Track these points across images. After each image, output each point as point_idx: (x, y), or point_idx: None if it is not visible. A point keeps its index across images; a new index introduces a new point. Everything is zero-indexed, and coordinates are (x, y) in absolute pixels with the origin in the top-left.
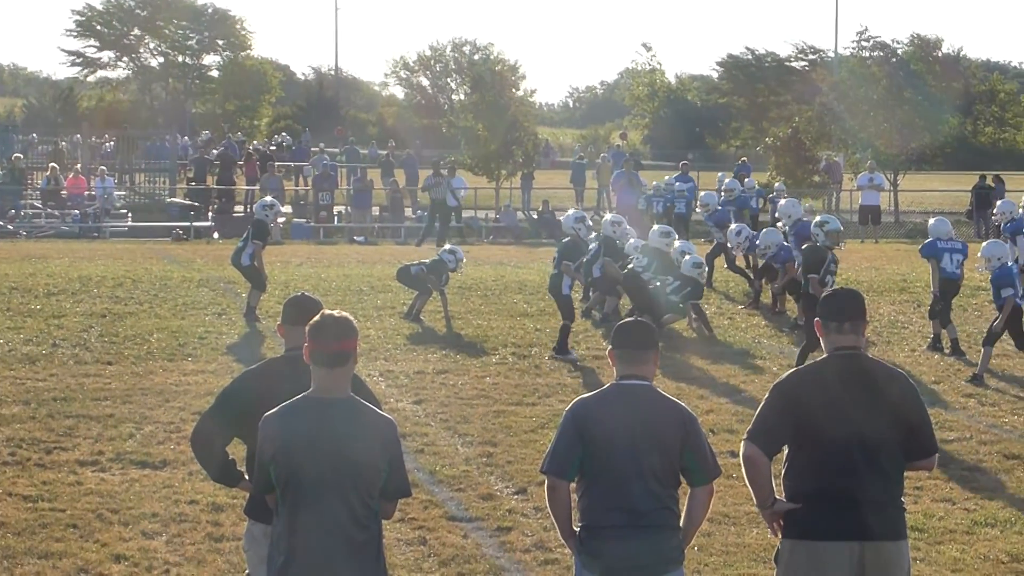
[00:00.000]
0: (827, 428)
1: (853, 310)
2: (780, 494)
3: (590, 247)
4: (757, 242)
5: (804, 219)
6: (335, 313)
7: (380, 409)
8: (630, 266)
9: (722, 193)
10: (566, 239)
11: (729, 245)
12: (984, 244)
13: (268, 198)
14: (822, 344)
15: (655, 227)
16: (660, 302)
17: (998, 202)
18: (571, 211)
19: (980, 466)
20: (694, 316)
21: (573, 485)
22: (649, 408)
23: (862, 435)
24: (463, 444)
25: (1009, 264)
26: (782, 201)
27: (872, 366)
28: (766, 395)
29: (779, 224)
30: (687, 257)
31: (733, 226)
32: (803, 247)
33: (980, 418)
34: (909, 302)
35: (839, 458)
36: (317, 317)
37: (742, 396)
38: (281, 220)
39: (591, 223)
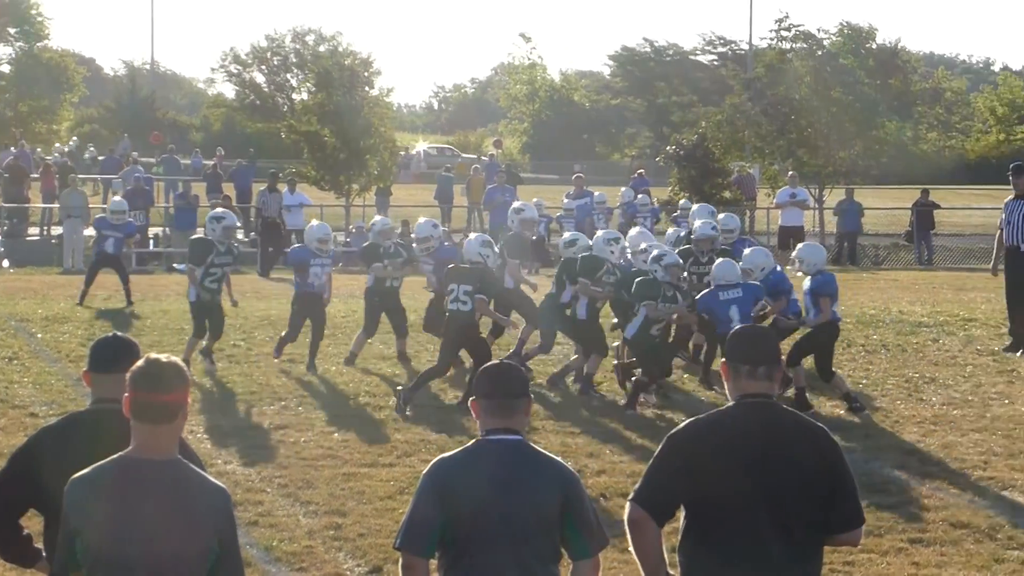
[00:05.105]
0: (729, 490)
1: (768, 353)
2: (676, 569)
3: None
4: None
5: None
6: (162, 358)
7: (206, 472)
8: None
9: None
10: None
11: None
12: None
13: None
14: (727, 389)
15: (474, 236)
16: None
17: None
18: (474, 235)
19: (922, 537)
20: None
21: (434, 563)
22: (522, 468)
23: (771, 501)
24: (306, 514)
25: None
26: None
27: (787, 418)
28: (657, 448)
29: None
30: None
31: None
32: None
33: (923, 479)
34: (838, 340)
35: (743, 528)
36: (141, 363)
37: (644, 453)
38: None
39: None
